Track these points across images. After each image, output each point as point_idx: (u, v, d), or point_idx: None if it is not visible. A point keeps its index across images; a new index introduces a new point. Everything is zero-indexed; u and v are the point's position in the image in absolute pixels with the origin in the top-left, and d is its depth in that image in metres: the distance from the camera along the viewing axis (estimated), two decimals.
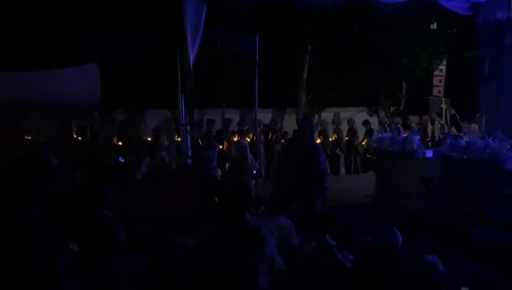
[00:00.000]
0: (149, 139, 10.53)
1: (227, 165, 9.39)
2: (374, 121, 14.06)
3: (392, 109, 15.27)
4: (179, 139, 9.09)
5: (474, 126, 11.56)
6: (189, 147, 8.33)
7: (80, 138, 10.89)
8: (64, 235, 4.12)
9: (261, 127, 12.16)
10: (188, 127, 8.45)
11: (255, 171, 8.35)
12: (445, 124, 13.32)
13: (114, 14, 11.32)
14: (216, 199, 6.20)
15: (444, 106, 13.63)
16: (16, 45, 10.99)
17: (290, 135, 12.49)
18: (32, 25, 11.29)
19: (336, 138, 13.29)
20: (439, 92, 14.62)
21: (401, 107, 15.19)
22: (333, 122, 13.77)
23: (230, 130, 12.15)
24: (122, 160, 8.32)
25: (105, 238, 3.94)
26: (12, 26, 10.93)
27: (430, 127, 13.14)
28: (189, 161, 8.01)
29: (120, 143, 10.56)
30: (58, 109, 10.15)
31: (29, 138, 10.11)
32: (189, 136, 8.43)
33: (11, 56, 10.47)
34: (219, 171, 7.48)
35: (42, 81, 9.81)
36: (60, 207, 5.02)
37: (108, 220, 4.02)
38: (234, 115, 12.94)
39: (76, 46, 10.80)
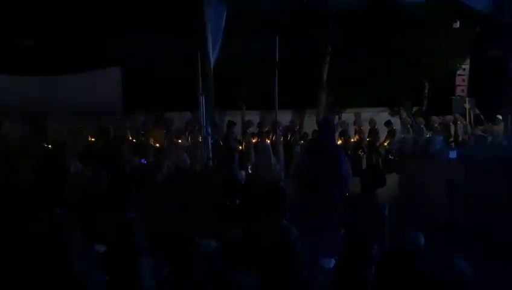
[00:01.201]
0: (179, 141, 10.68)
1: (248, 166, 9.40)
2: (395, 122, 13.90)
3: (415, 109, 15.06)
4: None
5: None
6: (210, 148, 8.38)
7: (103, 140, 11.04)
8: (89, 236, 4.17)
9: (280, 128, 12.15)
10: (209, 129, 8.50)
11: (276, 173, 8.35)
12: (468, 124, 13.08)
13: (136, 18, 11.47)
14: (237, 201, 6.20)
15: (467, 106, 13.37)
16: (41, 50, 11.23)
17: (310, 136, 12.45)
18: (56, 30, 11.52)
19: (357, 139, 13.17)
20: (463, 91, 14.37)
21: (424, 107, 14.97)
22: (355, 123, 13.65)
23: (249, 131, 12.17)
24: (145, 161, 8.43)
25: (129, 239, 3.97)
26: (37, 33, 11.16)
27: (453, 127, 12.92)
28: (211, 162, 8.06)
29: (156, 145, 10.72)
30: (81, 112, 10.33)
31: (53, 140, 10.30)
32: (210, 137, 8.48)
33: (36, 61, 10.69)
34: (243, 173, 7.49)
35: (66, 85, 10.02)
36: (84, 209, 5.10)
37: (130, 222, 4.05)
38: (254, 117, 12.96)
39: (99, 50, 10.97)
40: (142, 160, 8.42)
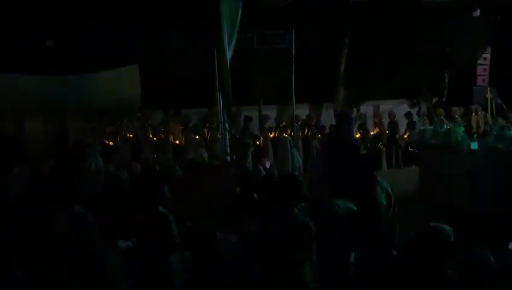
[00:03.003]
0: (197, 137, 10.78)
1: (266, 161, 9.43)
2: (415, 113, 13.73)
3: (435, 100, 14.83)
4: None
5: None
6: (227, 144, 8.41)
7: (124, 138, 11.19)
8: (112, 233, 4.22)
9: (299, 123, 12.12)
10: (227, 125, 8.53)
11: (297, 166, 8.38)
12: (488, 115, 12.83)
13: (152, 16, 11.55)
14: (255, 196, 6.23)
15: (489, 96, 13.11)
16: (60, 51, 11.39)
17: (328, 130, 12.39)
18: (74, 30, 11.67)
19: (377, 132, 13.04)
20: (484, 81, 14.05)
21: (444, 98, 14.73)
22: (374, 115, 13.52)
23: (267, 126, 12.18)
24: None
25: (163, 236, 3.97)
26: (56, 34, 11.33)
27: (474, 117, 12.70)
28: (228, 158, 8.10)
29: (176, 142, 10.86)
30: (101, 111, 10.47)
31: (74, 139, 10.48)
32: (227, 133, 8.51)
33: (56, 62, 10.86)
34: (260, 168, 7.53)
35: (85, 84, 10.14)
36: (107, 205, 5.17)
37: (165, 218, 4.06)
38: (271, 111, 12.94)
39: (117, 49, 11.08)
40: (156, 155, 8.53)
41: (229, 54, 7.79)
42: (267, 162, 9.29)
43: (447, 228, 3.85)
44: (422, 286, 3.60)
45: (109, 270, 3.93)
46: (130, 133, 11.21)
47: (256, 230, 3.98)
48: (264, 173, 7.65)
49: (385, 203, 4.71)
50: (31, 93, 9.50)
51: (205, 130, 11.44)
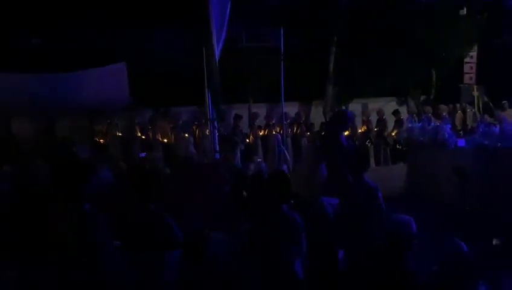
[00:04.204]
0: (186, 135, 10.74)
1: (256, 159, 9.45)
2: (403, 111, 13.83)
3: (422, 98, 14.97)
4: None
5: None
6: (217, 142, 8.41)
7: (113, 136, 11.10)
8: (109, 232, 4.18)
9: (288, 121, 12.16)
10: (216, 123, 8.52)
11: (285, 165, 8.40)
12: (476, 112, 12.98)
13: (140, 13, 11.50)
14: (245, 194, 6.23)
15: (476, 94, 13.27)
16: (47, 49, 11.28)
17: (317, 128, 12.45)
18: (61, 29, 11.56)
19: (365, 130, 13.12)
20: (471, 79, 14.21)
21: (432, 96, 14.87)
22: (363, 113, 13.59)
23: (256, 124, 12.20)
24: (144, 155, 8.51)
25: (159, 235, 3.95)
26: (43, 32, 11.21)
27: (459, 116, 12.84)
28: (218, 156, 8.09)
29: (164, 140, 10.82)
30: (90, 109, 10.40)
31: (62, 138, 10.38)
32: (216, 131, 8.50)
33: (43, 60, 10.76)
34: (250, 166, 7.53)
35: (73, 82, 10.07)
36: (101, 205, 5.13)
37: (157, 217, 4.03)
38: (261, 110, 12.96)
39: (105, 47, 11.02)
40: (142, 154, 8.49)
41: (217, 52, 7.78)
42: (257, 160, 9.30)
43: (406, 218, 3.85)
44: (391, 278, 3.61)
45: (113, 269, 3.89)
46: (119, 132, 11.15)
47: (247, 228, 4.00)
48: (253, 170, 7.66)
49: (364, 205, 4.71)
50: (18, 91, 9.41)
51: (194, 127, 11.41)
